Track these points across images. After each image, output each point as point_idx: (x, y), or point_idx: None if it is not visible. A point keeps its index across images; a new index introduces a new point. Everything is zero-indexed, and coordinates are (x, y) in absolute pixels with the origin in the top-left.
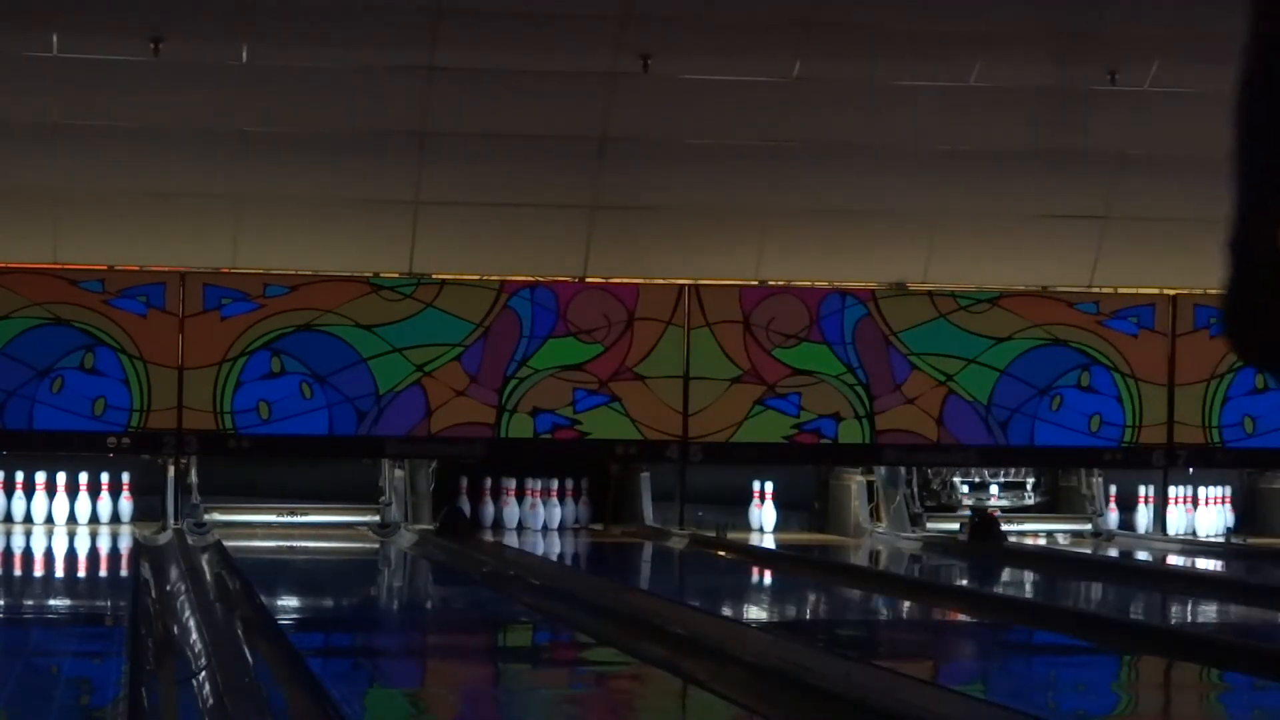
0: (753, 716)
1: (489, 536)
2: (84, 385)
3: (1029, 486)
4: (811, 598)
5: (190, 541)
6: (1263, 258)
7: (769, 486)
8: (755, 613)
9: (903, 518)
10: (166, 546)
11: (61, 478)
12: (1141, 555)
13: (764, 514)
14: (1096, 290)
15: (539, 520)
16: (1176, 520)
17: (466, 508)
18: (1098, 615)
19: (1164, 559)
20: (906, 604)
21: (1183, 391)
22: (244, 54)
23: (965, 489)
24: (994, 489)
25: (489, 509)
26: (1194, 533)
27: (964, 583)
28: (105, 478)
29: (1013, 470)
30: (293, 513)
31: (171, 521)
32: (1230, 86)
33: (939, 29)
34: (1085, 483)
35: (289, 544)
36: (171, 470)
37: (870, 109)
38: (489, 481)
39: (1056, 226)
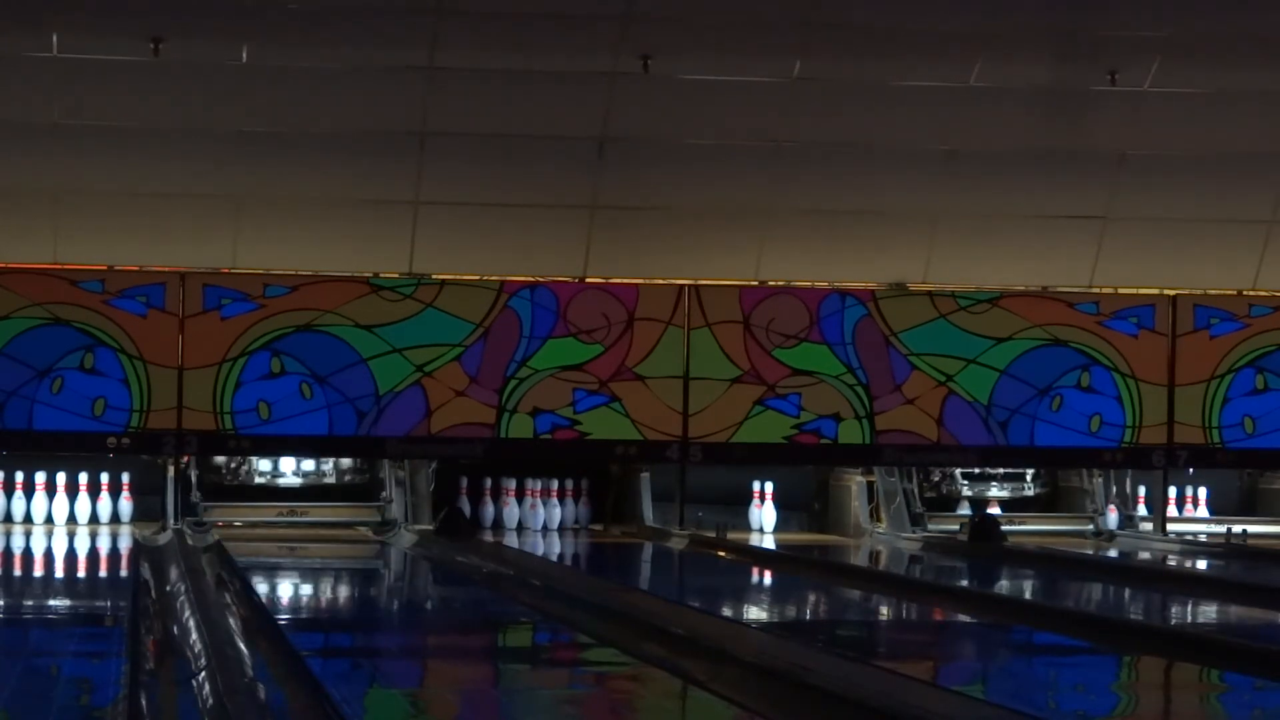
0: (753, 716)
1: (489, 537)
2: (84, 385)
3: (1029, 478)
4: (811, 598)
5: (190, 541)
6: None
7: (769, 487)
8: (755, 613)
9: (903, 518)
10: (166, 546)
11: (61, 478)
12: (1142, 554)
13: (764, 514)
14: (1096, 290)
15: (539, 520)
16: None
17: (466, 508)
18: (1098, 615)
19: (1164, 559)
20: (906, 604)
21: (1183, 391)
22: (244, 54)
23: (965, 481)
24: (994, 481)
25: (489, 509)
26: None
27: (964, 583)
28: (105, 478)
29: None
30: (292, 512)
31: (171, 521)
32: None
33: (939, 29)
34: (1086, 481)
35: (289, 545)
36: (171, 470)
37: (870, 109)
38: (489, 482)
39: (1056, 226)
